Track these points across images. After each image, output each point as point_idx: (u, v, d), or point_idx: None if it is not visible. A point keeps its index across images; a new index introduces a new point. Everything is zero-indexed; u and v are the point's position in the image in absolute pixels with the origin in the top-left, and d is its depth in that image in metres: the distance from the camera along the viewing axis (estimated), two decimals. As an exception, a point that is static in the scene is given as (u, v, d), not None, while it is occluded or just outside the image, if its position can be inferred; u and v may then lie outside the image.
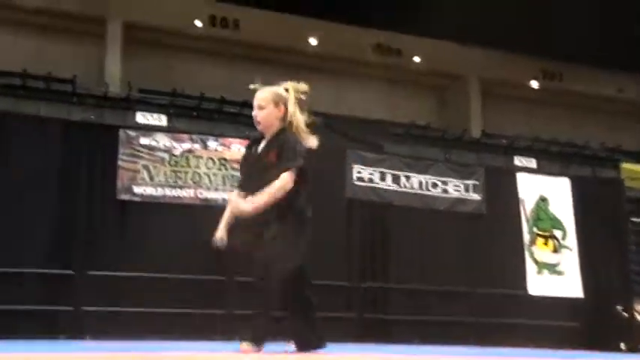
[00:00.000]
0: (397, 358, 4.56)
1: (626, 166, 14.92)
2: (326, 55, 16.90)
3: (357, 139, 12.86)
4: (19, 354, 3.77)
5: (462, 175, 11.56)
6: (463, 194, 11.46)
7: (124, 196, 9.67)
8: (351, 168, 10.94)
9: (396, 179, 11.19)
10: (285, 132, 4.12)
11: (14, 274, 8.66)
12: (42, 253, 8.95)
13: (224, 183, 10.29)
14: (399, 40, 17.80)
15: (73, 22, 15.88)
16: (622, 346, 10.81)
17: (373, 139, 12.80)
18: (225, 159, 10.39)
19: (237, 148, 10.50)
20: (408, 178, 11.26)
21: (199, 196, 10.15)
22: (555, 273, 11.37)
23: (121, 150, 9.76)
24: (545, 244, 11.48)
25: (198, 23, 16.62)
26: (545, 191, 11.72)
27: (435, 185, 11.37)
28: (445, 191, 11.38)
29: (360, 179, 10.96)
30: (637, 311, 11.37)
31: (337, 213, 10.69)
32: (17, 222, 8.88)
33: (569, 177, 12.19)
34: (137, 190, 9.82)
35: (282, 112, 4.14)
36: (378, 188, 11.04)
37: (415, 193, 11.21)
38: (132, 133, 10.02)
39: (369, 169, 11.04)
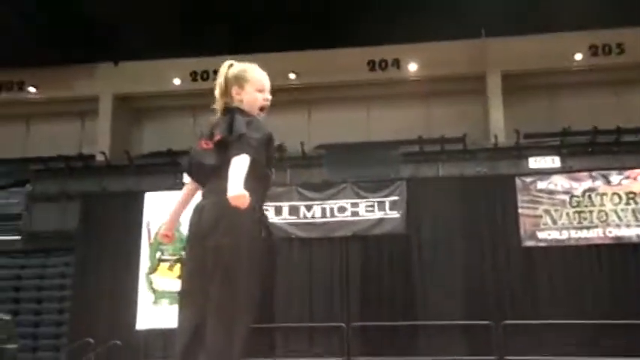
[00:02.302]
0: None
1: None
2: None
3: None
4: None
5: None
6: None
7: (529, 243, 9.65)
8: None
9: None
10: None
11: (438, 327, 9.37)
12: (459, 304, 9.48)
13: (636, 218, 9.47)
14: None
15: (454, 84, 16.74)
16: None
17: None
18: (633, 192, 9.59)
19: (644, 179, 9.65)
20: None
21: (608, 234, 9.54)
22: None
23: (520, 197, 9.86)
24: None
25: (577, 57, 15.94)
26: None
27: None
28: None
29: None
30: None
31: None
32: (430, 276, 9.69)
33: None
34: (541, 235, 9.69)
35: None
36: None
37: None
38: (527, 180, 10.06)
39: None
